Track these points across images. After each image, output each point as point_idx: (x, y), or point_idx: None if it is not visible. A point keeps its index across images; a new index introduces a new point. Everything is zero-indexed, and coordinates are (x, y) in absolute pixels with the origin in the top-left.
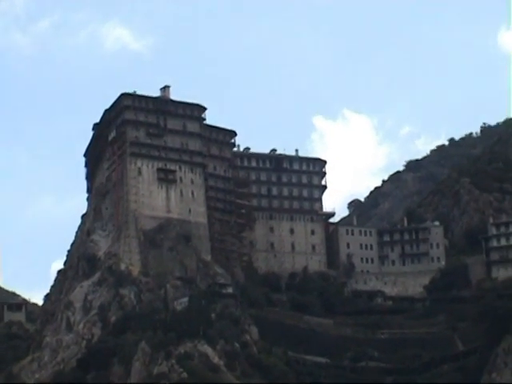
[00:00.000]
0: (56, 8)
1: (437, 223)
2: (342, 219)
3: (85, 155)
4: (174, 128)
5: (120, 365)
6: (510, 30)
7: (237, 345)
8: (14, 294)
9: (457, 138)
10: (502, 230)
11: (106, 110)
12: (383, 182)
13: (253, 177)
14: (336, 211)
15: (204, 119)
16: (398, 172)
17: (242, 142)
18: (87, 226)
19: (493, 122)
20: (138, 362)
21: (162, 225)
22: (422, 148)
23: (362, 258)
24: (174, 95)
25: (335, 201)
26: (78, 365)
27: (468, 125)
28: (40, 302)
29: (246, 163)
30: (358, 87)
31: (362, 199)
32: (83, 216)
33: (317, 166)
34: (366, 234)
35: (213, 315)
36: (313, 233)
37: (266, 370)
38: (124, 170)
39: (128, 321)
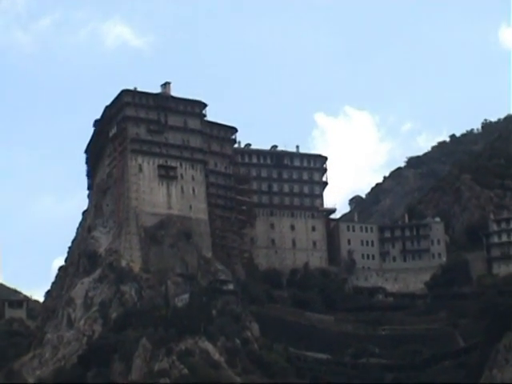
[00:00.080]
0: (57, 6)
1: (438, 219)
2: (343, 216)
3: (85, 152)
4: (175, 124)
5: (121, 361)
6: (511, 26)
7: (238, 341)
8: (15, 291)
9: (458, 134)
10: (503, 226)
11: (107, 107)
12: (384, 178)
13: (254, 173)
14: (337, 208)
15: (205, 116)
16: (399, 168)
17: (242, 138)
18: (88, 223)
19: (494, 119)
20: (138, 359)
21: (163, 221)
22: (423, 145)
23: (362, 255)
24: (175, 92)
25: (337, 197)
26: (79, 361)
27: (469, 121)
28: (41, 299)
29: (246, 160)
30: (359, 84)
31: (364, 196)
32: (84, 212)
33: (318, 163)
34: (366, 231)
35: (214, 312)
36: (314, 229)
37: (267, 366)
38: (125, 167)
39: (129, 317)
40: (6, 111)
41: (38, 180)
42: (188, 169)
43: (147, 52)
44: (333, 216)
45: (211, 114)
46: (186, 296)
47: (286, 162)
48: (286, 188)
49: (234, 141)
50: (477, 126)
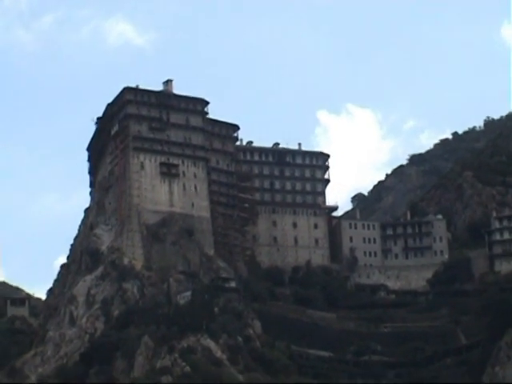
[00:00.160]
0: (59, 4)
1: (440, 217)
2: (346, 213)
3: (88, 149)
4: (177, 122)
5: (123, 359)
6: None
7: (240, 339)
8: (17, 289)
9: (460, 131)
10: (505, 223)
11: (109, 105)
12: (387, 175)
13: (256, 171)
14: (340, 205)
15: (207, 113)
16: (402, 166)
17: (244, 136)
18: (90, 220)
19: (496, 116)
20: (140, 356)
21: (165, 219)
22: (425, 142)
23: (365, 252)
24: (177, 89)
25: (339, 195)
26: (81, 359)
27: (471, 119)
28: (43, 297)
29: (248, 157)
30: (362, 82)
31: (366, 193)
32: (86, 210)
33: (320, 160)
34: (369, 228)
35: (216, 309)
36: (316, 227)
37: (269, 363)
38: (127, 165)
39: (131, 315)
40: (8, 109)
41: (40, 178)
42: (190, 166)
43: (149, 50)
44: (335, 213)
45: (213, 112)
46: (188, 293)
47: (288, 159)
48: (288, 185)
49: (236, 138)
50: (479, 123)
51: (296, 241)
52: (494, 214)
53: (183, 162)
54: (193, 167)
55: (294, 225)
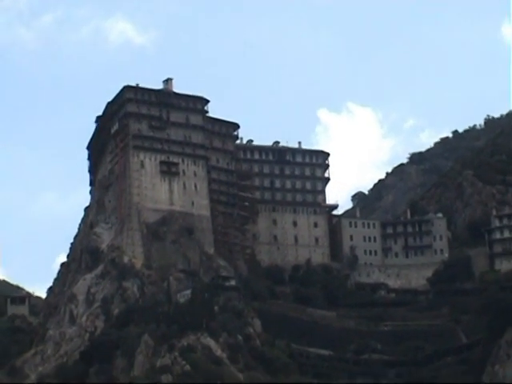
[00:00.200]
0: (59, 3)
1: (440, 215)
2: (346, 212)
3: (88, 148)
4: (177, 121)
5: (123, 357)
6: None
7: (240, 337)
8: (17, 288)
9: (460, 130)
10: (505, 222)
11: (109, 103)
12: (387, 174)
13: (256, 169)
14: (340, 204)
15: (207, 112)
16: (402, 164)
17: (244, 134)
18: (90, 219)
19: (496, 115)
20: (140, 355)
21: (165, 217)
22: (426, 141)
23: (365, 251)
24: (177, 88)
25: (340, 194)
26: (81, 358)
27: (472, 117)
28: (43, 296)
29: (248, 156)
30: (362, 80)
31: (366, 192)
32: (86, 209)
33: (320, 159)
34: (369, 227)
35: (216, 308)
36: (316, 225)
37: (269, 362)
38: (127, 163)
39: (131, 313)
40: (8, 108)
41: (41, 176)
42: (190, 165)
43: (149, 49)
44: (335, 212)
45: (213, 110)
46: (188, 292)
47: (288, 157)
48: (288, 184)
49: (236, 137)
50: (479, 122)
51: (296, 239)
52: (494, 213)
53: (183, 161)
54: (193, 166)
55: (294, 223)
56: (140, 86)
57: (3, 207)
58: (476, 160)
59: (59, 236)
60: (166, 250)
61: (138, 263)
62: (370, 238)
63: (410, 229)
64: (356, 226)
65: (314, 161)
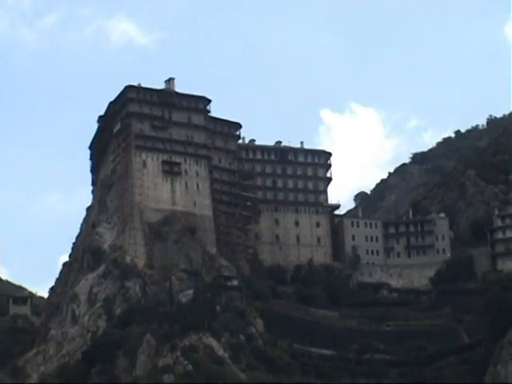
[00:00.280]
0: (62, 3)
1: (442, 215)
2: (348, 212)
3: (90, 148)
4: (179, 120)
5: (125, 357)
6: None
7: (242, 337)
8: (20, 288)
9: (463, 130)
10: (508, 221)
11: (111, 103)
12: (389, 174)
13: (258, 169)
14: (342, 204)
15: (209, 111)
16: (404, 164)
17: (247, 134)
18: (92, 219)
19: (499, 115)
20: (143, 355)
21: (167, 217)
22: (428, 141)
23: (367, 250)
24: (179, 88)
25: (342, 193)
26: (83, 357)
27: (474, 117)
28: (45, 295)
29: (251, 155)
30: (365, 80)
31: (369, 192)
32: (88, 208)
33: (322, 158)
34: (371, 226)
35: (218, 308)
36: (318, 225)
37: (271, 362)
38: (129, 163)
39: (133, 313)
40: (10, 108)
41: (42, 176)
42: (192, 165)
43: (152, 49)
44: (337, 212)
45: (215, 110)
46: (191, 292)
47: (291, 157)
48: (291, 184)
49: (238, 137)
50: (482, 121)
51: (298, 239)
52: (497, 213)
53: (185, 161)
54: (195, 165)
55: (297, 223)
56: (142, 85)
57: (5, 207)
58: (478, 160)
59: (61, 236)
60: (168, 250)
61: (140, 263)
62: (372, 237)
63: (412, 229)
64: (358, 226)
65: (316, 161)
